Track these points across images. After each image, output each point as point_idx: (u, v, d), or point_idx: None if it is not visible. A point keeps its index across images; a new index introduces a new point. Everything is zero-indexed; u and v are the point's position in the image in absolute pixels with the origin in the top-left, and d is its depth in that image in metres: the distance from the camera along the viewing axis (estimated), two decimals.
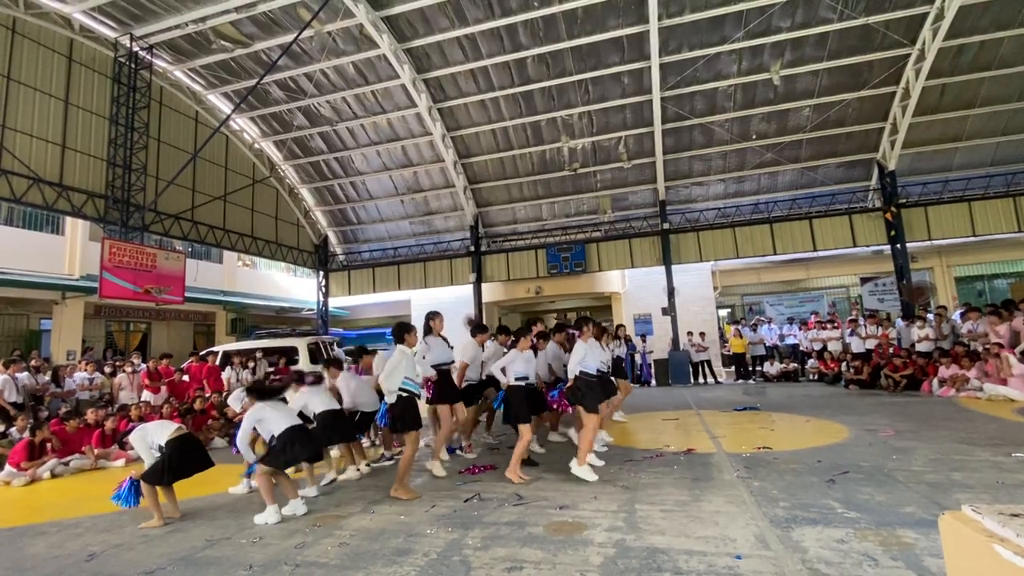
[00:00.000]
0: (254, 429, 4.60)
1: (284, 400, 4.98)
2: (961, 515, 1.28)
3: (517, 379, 5.12)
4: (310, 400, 5.25)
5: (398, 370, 4.66)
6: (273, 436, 4.42)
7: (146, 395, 9.35)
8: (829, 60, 12.58)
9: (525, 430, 4.93)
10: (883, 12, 11.58)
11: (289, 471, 4.66)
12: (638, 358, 14.55)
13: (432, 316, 5.75)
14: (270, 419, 4.53)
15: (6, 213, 12.88)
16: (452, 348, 5.88)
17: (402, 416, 4.72)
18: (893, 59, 12.44)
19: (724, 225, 15.44)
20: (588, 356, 5.08)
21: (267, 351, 11.36)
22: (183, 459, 4.48)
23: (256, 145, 16.49)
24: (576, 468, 4.80)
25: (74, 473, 6.64)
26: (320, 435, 5.04)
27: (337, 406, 5.44)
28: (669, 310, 15.05)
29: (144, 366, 10.03)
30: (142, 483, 4.45)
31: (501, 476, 4.99)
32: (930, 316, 11.19)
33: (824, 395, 10.00)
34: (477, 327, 6.17)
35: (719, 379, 14.12)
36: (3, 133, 10.39)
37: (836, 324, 12.94)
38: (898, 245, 13.76)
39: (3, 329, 13.21)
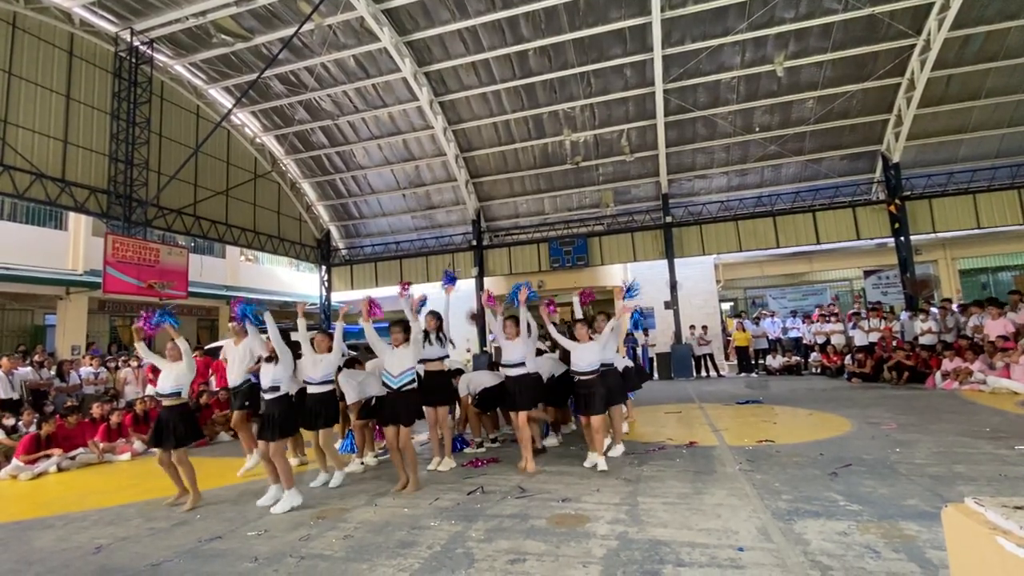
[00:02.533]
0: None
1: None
2: (964, 508, 1.28)
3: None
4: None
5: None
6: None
7: (151, 389, 9.39)
8: (833, 51, 12.46)
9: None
10: (888, 2, 11.45)
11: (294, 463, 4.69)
12: (639, 351, 14.54)
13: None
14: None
15: (9, 209, 12.90)
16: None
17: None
18: (898, 50, 12.33)
19: (727, 218, 15.38)
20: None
21: None
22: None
23: (257, 140, 16.46)
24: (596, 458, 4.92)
25: (80, 467, 6.69)
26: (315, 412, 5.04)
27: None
28: (671, 304, 15.04)
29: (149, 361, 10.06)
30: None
31: (504, 469, 5.01)
32: (934, 310, 11.15)
33: (827, 388, 9.99)
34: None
35: (721, 372, 14.12)
36: (5, 129, 10.40)
37: (837, 316, 12.91)
38: (902, 238, 13.69)
39: (8, 324, 13.28)
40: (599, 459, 4.86)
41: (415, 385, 4.80)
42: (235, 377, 5.74)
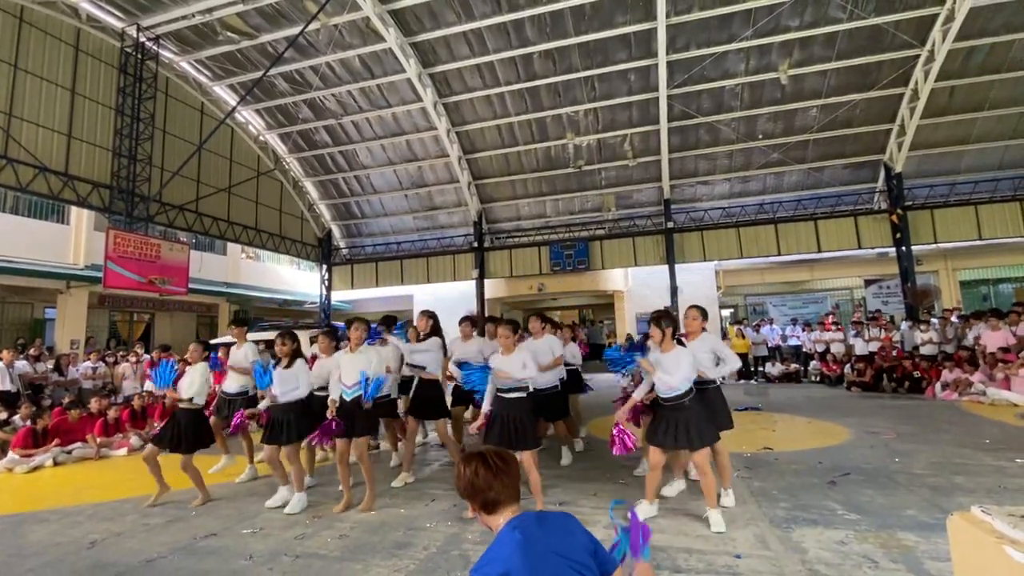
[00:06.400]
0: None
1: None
2: (970, 516, 1.26)
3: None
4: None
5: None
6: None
7: (149, 385, 9.39)
8: (838, 60, 12.48)
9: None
10: (893, 12, 11.49)
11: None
12: None
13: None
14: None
15: (12, 202, 12.89)
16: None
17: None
18: (902, 60, 12.35)
19: (729, 225, 15.39)
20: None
21: (269, 343, 11.39)
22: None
23: (261, 137, 16.48)
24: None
25: (76, 462, 6.67)
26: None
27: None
28: (672, 309, 15.03)
29: (147, 356, 10.09)
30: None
31: None
32: (934, 320, 11.14)
33: (826, 397, 9.97)
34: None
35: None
36: (10, 122, 10.40)
37: (838, 325, 12.90)
38: (903, 248, 13.68)
39: (8, 318, 13.26)
40: (716, 515, 3.46)
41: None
42: (234, 384, 5.66)
